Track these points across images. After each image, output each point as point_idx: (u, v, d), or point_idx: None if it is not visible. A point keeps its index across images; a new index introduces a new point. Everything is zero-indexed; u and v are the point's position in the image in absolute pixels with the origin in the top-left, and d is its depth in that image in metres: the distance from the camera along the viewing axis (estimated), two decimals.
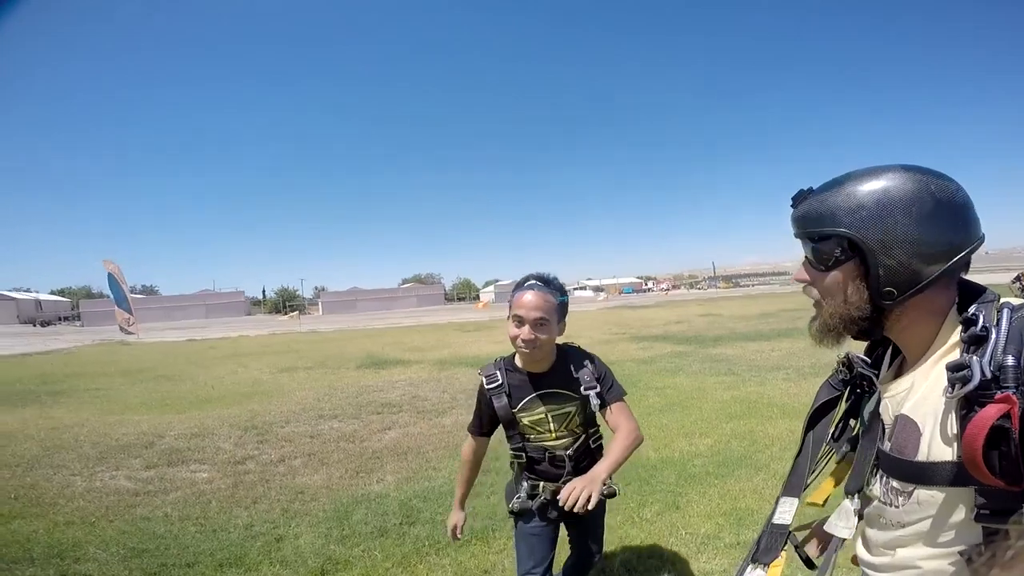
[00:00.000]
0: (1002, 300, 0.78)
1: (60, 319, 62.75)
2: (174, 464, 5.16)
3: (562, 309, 1.88)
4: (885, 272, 0.81)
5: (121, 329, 23.48)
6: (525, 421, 1.95)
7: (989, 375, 0.69)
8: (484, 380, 1.98)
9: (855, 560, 1.00)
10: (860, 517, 0.96)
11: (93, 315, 54.99)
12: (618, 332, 16.92)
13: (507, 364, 1.99)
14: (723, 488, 3.82)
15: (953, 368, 0.73)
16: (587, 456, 1.98)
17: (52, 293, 75.57)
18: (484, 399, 1.99)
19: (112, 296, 24.94)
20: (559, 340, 1.95)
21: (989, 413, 0.67)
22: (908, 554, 0.84)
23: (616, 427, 1.86)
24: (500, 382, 1.94)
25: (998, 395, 0.67)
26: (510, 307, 1.85)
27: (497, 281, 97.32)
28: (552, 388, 1.92)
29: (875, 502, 0.91)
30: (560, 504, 1.56)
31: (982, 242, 0.82)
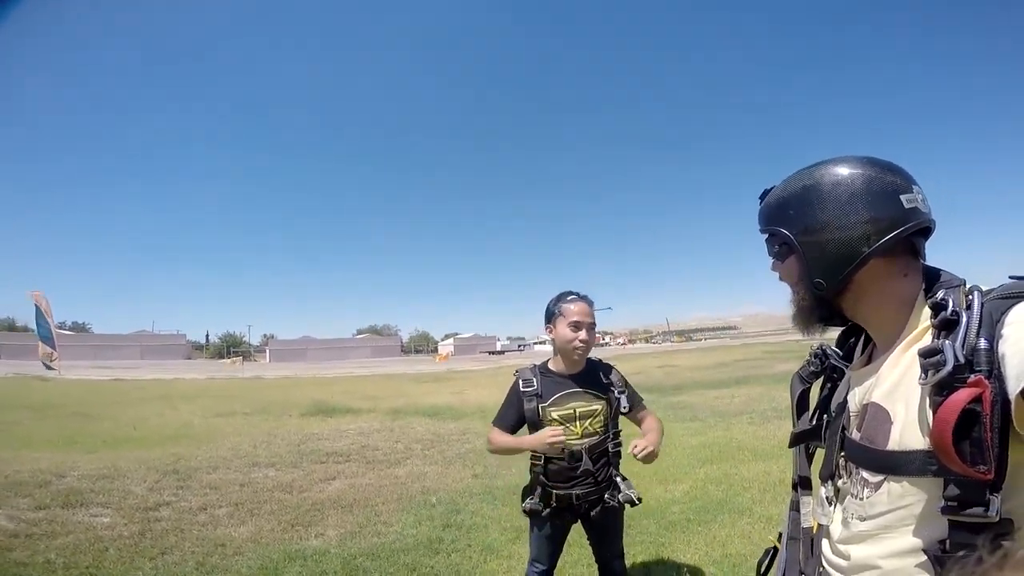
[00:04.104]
0: (969, 284, 0.78)
1: None
2: (71, 506, 4.47)
3: None
4: (812, 264, 0.86)
5: (43, 364, 21.47)
6: (554, 415, 2.12)
7: (963, 359, 0.68)
8: (521, 382, 2.18)
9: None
10: (829, 503, 0.94)
11: (13, 348, 50.34)
12: None
13: (542, 369, 2.23)
14: (708, 535, 3.55)
15: (925, 354, 0.72)
16: (604, 457, 2.14)
17: None
18: (515, 399, 2.19)
19: (37, 330, 22.91)
20: None
21: (960, 397, 0.65)
22: (867, 552, 0.80)
23: (645, 420, 2.19)
24: (535, 387, 2.15)
25: (970, 379, 0.66)
26: (557, 316, 2.17)
27: (456, 334, 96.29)
28: (583, 387, 2.15)
29: (845, 496, 0.88)
30: (633, 453, 1.93)
31: (920, 225, 0.82)
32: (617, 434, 2.19)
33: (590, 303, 2.19)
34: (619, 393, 2.14)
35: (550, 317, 2.20)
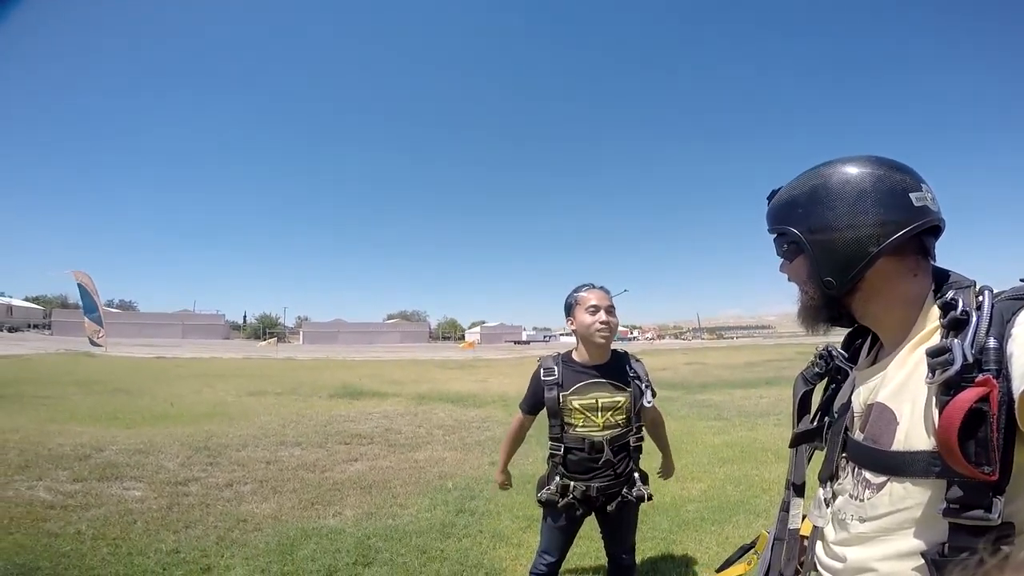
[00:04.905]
0: (979, 285, 0.77)
1: (30, 326, 60.85)
2: (106, 479, 4.68)
3: None
4: (822, 262, 0.85)
5: (90, 341, 22.64)
6: (575, 405, 2.11)
7: (971, 359, 0.67)
8: (542, 370, 2.18)
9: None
10: (827, 505, 0.92)
11: (65, 325, 53.28)
12: None
13: (564, 358, 2.22)
14: (720, 535, 3.50)
15: (933, 353, 0.70)
16: (625, 450, 2.14)
17: (27, 300, 73.03)
18: (537, 384, 2.19)
19: (82, 307, 24.17)
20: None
21: (967, 396, 0.64)
22: (864, 554, 0.79)
23: (655, 423, 2.34)
24: (555, 376, 2.15)
25: (978, 378, 0.65)
26: (575, 305, 2.19)
27: (484, 323, 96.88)
28: (607, 378, 2.14)
29: (843, 496, 0.86)
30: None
31: (929, 224, 0.81)
32: (640, 428, 2.18)
33: (606, 292, 2.22)
34: (645, 387, 2.14)
35: (569, 309, 2.23)
